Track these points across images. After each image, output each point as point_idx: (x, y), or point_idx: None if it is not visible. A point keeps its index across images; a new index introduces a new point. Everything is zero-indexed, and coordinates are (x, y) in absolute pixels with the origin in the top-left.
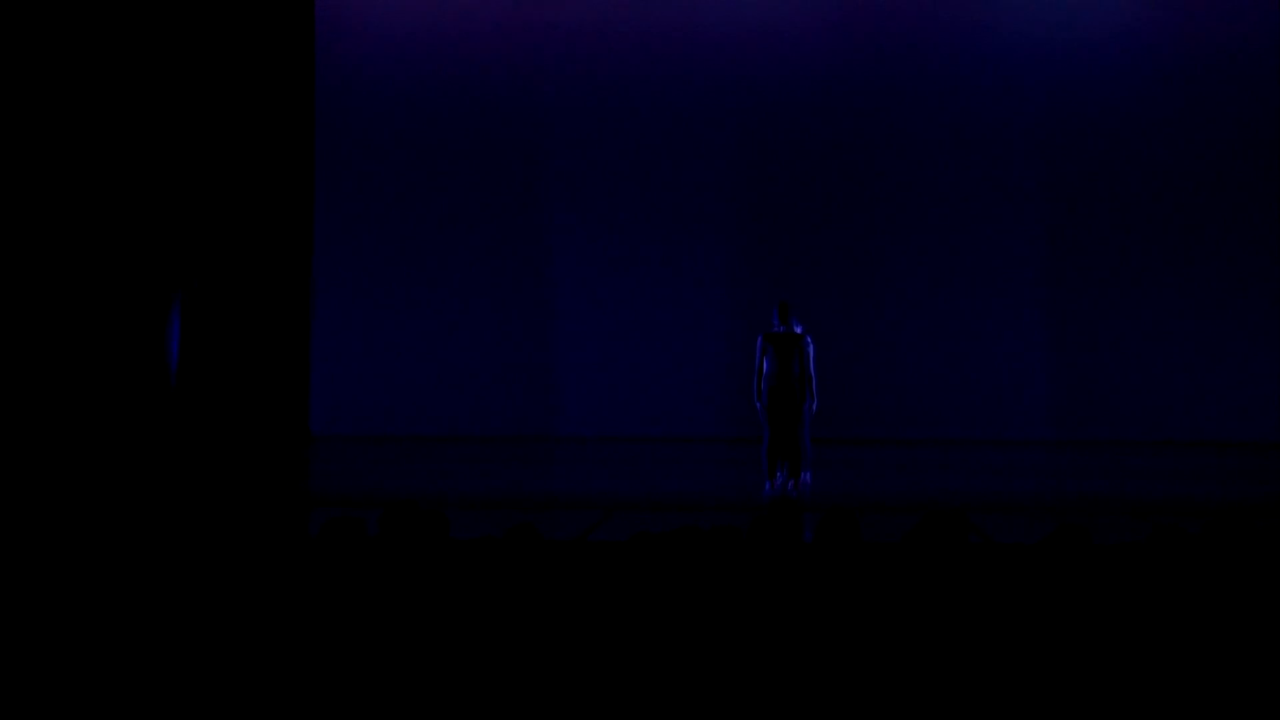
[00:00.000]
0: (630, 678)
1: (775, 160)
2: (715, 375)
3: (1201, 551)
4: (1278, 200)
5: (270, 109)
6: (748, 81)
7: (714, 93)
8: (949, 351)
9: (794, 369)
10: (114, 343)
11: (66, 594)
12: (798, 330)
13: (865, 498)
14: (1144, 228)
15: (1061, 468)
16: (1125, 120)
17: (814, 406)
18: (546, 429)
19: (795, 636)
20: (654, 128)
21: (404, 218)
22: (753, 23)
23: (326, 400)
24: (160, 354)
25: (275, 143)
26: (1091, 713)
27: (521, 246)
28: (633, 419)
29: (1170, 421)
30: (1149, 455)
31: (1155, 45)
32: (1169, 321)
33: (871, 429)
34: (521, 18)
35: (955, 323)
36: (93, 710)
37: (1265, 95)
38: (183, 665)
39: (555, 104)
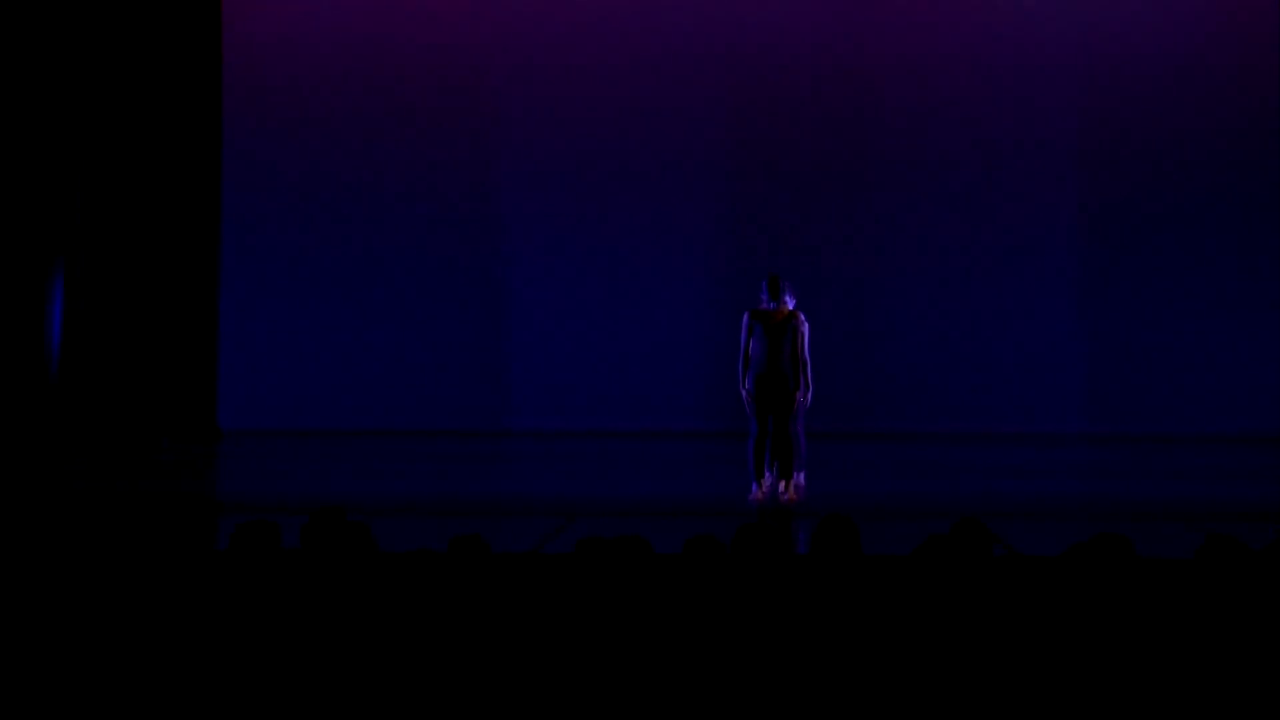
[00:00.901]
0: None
1: (768, 124)
2: (694, 360)
3: (1265, 569)
4: None
5: (172, 77)
6: (735, 36)
7: (695, 44)
8: (962, 334)
9: (785, 352)
10: None
11: None
12: (790, 306)
13: (869, 502)
14: (1189, 203)
15: (1097, 466)
16: (1162, 95)
17: (809, 397)
18: (499, 423)
19: (786, 667)
20: (623, 89)
21: (335, 196)
22: None
23: (242, 393)
24: (38, 342)
25: (176, 111)
26: None
27: (471, 223)
28: (598, 411)
29: (1223, 414)
30: (1199, 452)
31: (1191, 30)
32: (1223, 303)
33: (876, 422)
34: None
35: (970, 302)
36: None
37: None
38: (64, 685)
39: (509, 63)
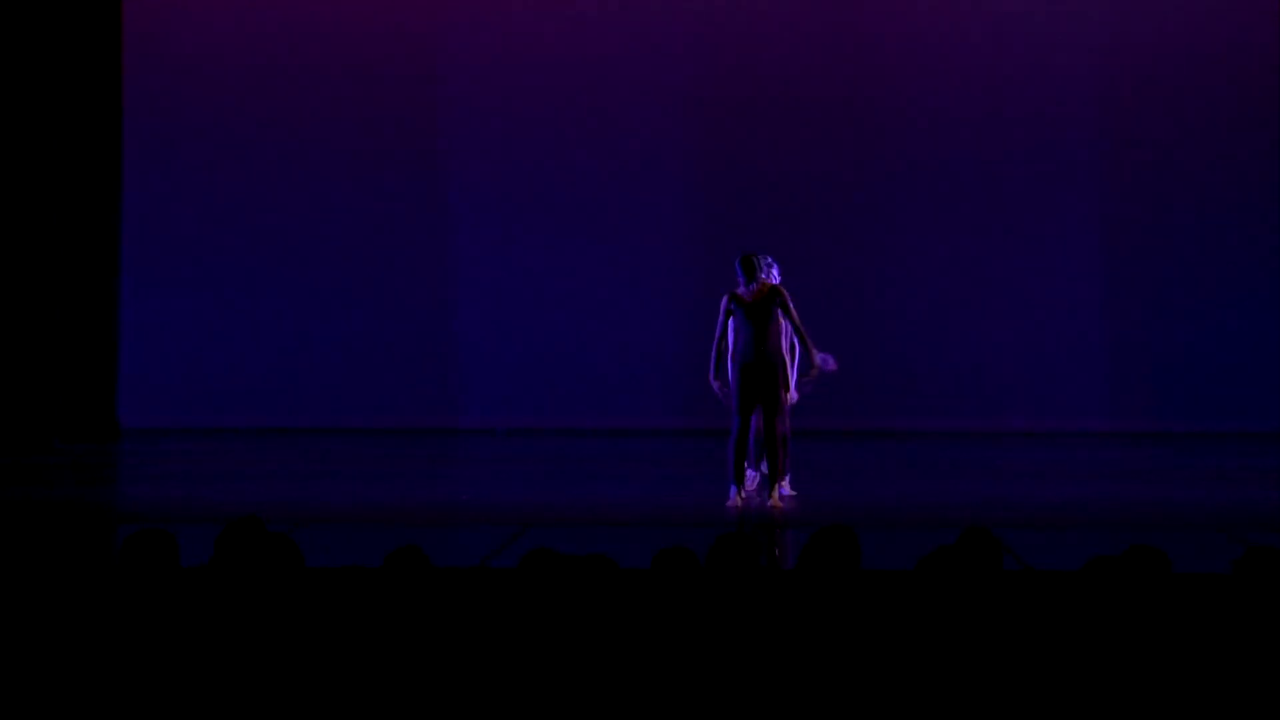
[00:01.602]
0: None
1: (749, 97)
2: (667, 352)
3: None
4: None
5: (70, 57)
6: (718, 18)
7: (672, 25)
8: (975, 328)
9: (770, 338)
10: None
11: None
12: (774, 280)
13: (870, 509)
14: (1215, 192)
15: (1122, 467)
16: (1184, 85)
17: (815, 372)
18: (444, 419)
19: (772, 702)
20: (583, 57)
21: (253, 179)
22: None
23: (146, 388)
24: None
25: (73, 92)
26: None
27: (414, 207)
28: (556, 406)
29: (1257, 410)
30: (1233, 450)
31: (1215, 21)
32: (1254, 294)
33: (875, 419)
34: None
35: (983, 295)
36: None
37: None
38: None
39: (456, 34)
